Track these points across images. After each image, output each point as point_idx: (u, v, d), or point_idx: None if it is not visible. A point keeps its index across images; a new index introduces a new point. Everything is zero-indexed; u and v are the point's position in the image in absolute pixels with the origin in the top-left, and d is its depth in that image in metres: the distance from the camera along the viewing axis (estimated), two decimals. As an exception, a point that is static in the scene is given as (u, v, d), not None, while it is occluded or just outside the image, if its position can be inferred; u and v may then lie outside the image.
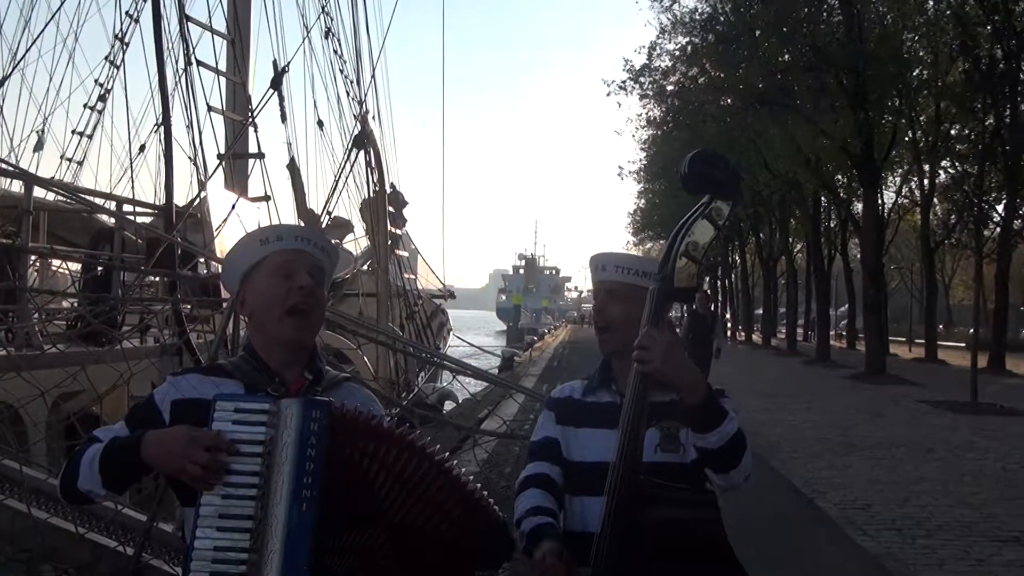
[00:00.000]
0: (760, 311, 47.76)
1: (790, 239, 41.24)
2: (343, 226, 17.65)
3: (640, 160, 45.25)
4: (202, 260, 7.05)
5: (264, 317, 1.94)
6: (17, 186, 9.06)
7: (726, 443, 1.94)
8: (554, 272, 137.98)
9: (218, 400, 1.72)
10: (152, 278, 7.54)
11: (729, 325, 52.28)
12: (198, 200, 8.09)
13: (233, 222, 7.80)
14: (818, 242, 33.16)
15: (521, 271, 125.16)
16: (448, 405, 13.54)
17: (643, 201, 55.01)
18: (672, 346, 1.89)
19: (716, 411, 1.94)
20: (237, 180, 9.92)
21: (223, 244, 7.48)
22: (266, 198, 10.72)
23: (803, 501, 7.82)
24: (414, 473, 1.76)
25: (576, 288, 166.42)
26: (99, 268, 7.92)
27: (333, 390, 1.98)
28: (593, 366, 2.38)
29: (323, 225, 12.81)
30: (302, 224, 14.32)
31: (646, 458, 2.10)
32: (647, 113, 33.73)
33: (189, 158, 8.95)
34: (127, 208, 8.74)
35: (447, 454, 1.84)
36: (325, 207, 12.14)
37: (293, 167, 15.05)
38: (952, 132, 27.63)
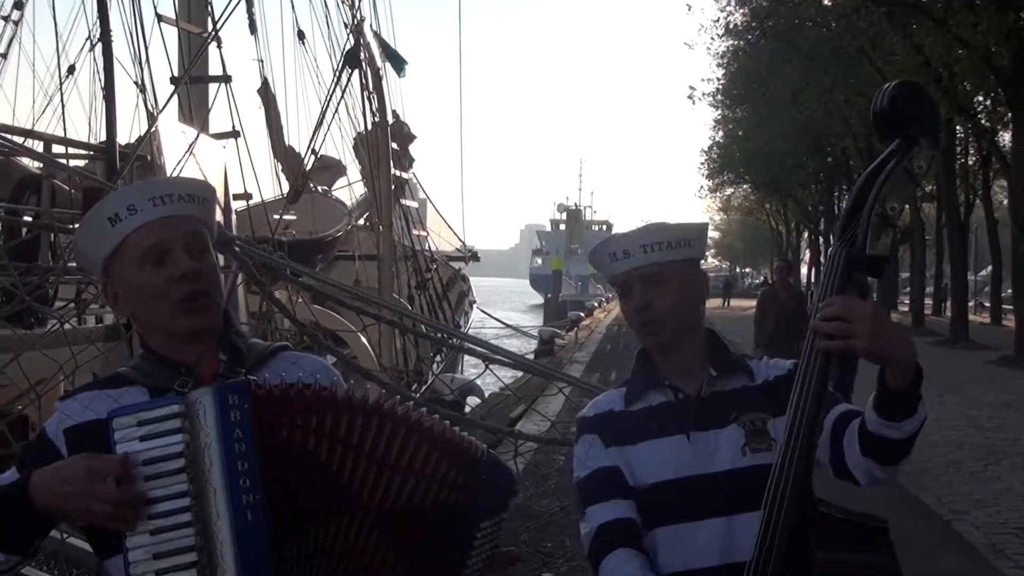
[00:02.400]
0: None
1: (915, 181, 40.83)
2: (333, 168, 17.73)
3: (717, 80, 44.85)
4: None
5: (148, 316, 1.98)
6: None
7: (918, 429, 2.00)
8: (605, 228, 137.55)
9: (114, 417, 1.75)
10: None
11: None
12: (147, 138, 8.11)
13: (193, 166, 7.82)
14: (952, 185, 32.77)
15: (561, 227, 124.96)
16: (472, 401, 13.60)
17: (721, 133, 54.61)
18: (881, 314, 1.92)
19: (918, 393, 1.98)
20: (196, 111, 9.92)
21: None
22: (234, 134, 10.76)
23: (936, 524, 7.80)
24: (372, 438, 1.82)
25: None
26: (23, 228, 7.97)
27: (263, 366, 2.02)
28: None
29: (307, 167, 12.84)
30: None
31: (729, 464, 2.21)
32: (726, 18, 33.41)
33: (135, 83, 8.98)
34: (57, 149, 8.78)
35: (396, 399, 1.91)
36: (310, 144, 12.16)
37: (266, 92, 15.09)
38: None
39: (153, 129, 7.70)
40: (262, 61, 14.22)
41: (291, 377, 1.83)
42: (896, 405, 1.96)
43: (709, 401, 2.30)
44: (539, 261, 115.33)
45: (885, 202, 2.02)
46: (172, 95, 8.80)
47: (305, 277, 5.65)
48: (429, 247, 18.85)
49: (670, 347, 2.33)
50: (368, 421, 1.82)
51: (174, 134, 8.23)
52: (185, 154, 7.71)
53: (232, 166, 10.18)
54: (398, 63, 15.68)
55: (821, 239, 52.55)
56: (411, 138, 19.92)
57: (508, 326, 19.00)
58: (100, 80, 8.70)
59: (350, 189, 17.92)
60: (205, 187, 2.14)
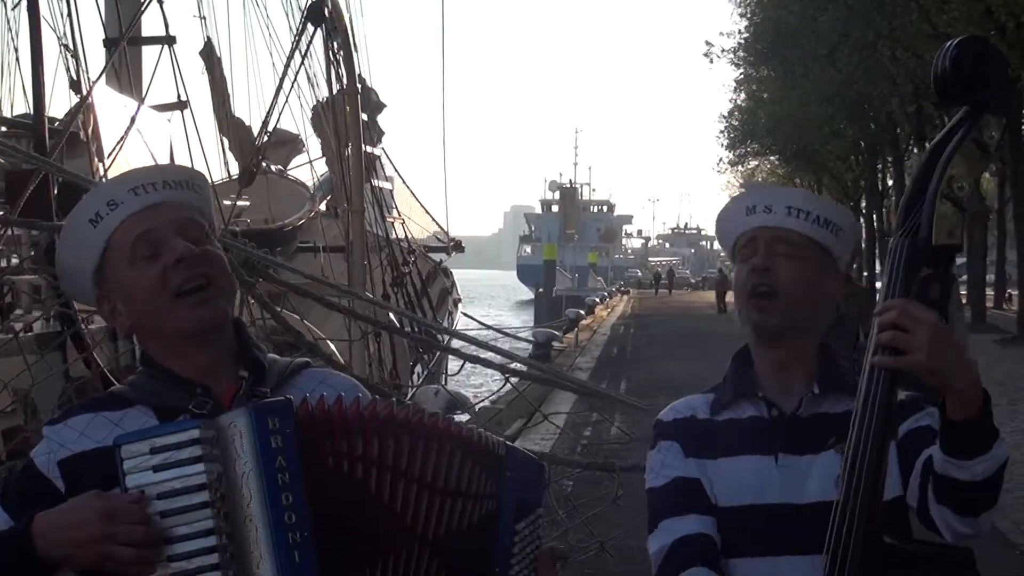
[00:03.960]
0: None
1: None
2: (289, 143, 17.68)
3: (739, 33, 44.87)
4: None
5: (149, 319, 2.00)
6: None
7: (994, 473, 1.98)
8: (605, 209, 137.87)
9: (122, 445, 1.75)
10: (15, 230, 7.55)
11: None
12: (79, 111, 8.10)
13: (135, 143, 7.82)
14: (1018, 154, 32.84)
15: (554, 208, 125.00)
16: (460, 418, 13.60)
17: (743, 96, 54.62)
18: (940, 329, 1.90)
19: (990, 427, 1.96)
20: (135, 79, 9.91)
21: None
22: (180, 105, 10.73)
23: (1013, 556, 7.83)
24: (420, 459, 1.87)
25: (640, 233, 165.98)
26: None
27: (288, 384, 2.06)
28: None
29: (259, 142, 12.81)
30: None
31: (819, 496, 2.20)
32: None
33: (64, 46, 8.93)
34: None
35: (410, 407, 1.97)
36: (267, 116, 12.12)
37: (209, 55, 15.04)
38: None
39: (89, 99, 7.68)
40: (204, 18, 14.18)
41: (319, 396, 1.86)
42: (964, 440, 1.94)
43: (806, 422, 2.31)
44: (528, 249, 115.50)
45: (971, 188, 2.01)
46: (110, 61, 8.78)
47: (288, 274, 5.67)
48: (406, 236, 18.79)
49: (778, 339, 2.33)
50: (414, 441, 1.86)
51: (112, 106, 8.22)
52: (128, 130, 7.70)
53: (178, 143, 10.18)
54: None
55: (863, 221, 52.57)
56: (380, 107, 19.90)
57: (494, 329, 18.95)
58: (15, 41, 8.69)
59: (310, 168, 17.84)
60: (195, 174, 2.18)
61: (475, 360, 5.43)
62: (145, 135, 8.15)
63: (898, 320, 1.88)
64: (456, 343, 5.94)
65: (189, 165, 10.80)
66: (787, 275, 2.30)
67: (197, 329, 1.97)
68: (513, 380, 7.29)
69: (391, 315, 12.53)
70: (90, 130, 7.89)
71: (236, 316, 2.13)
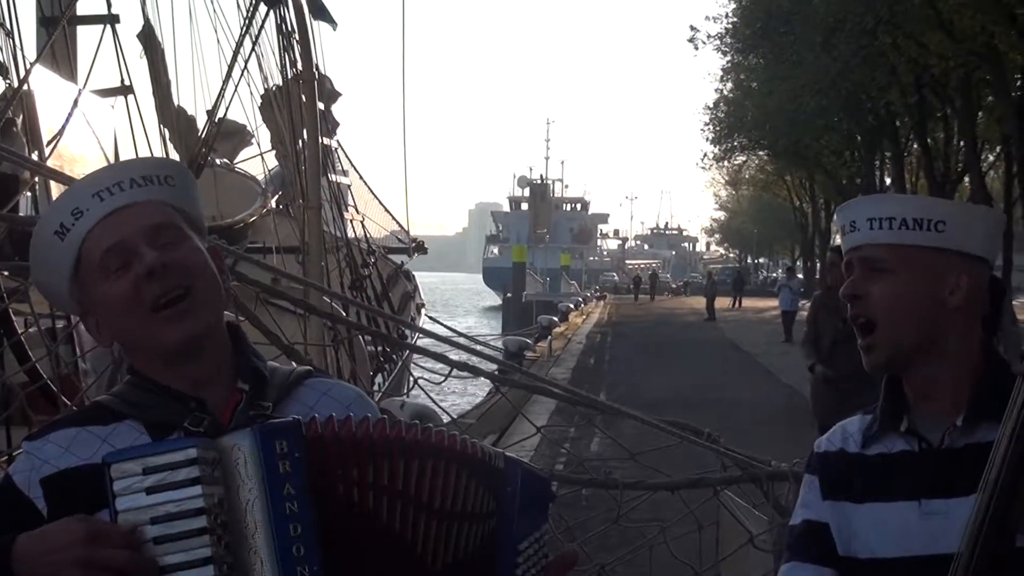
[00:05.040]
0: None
1: (978, 144, 41.16)
2: (237, 135, 17.62)
3: (726, 17, 45.06)
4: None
5: (128, 334, 2.01)
6: None
7: None
8: (579, 207, 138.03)
9: (112, 463, 1.73)
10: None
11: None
12: (15, 96, 8.07)
13: (78, 130, 7.80)
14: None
15: (524, 206, 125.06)
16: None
17: (730, 86, 54.89)
18: None
19: None
20: (71, 61, 9.89)
21: (60, 168, 7.51)
22: (124, 90, 10.69)
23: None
24: (428, 484, 1.86)
25: (617, 233, 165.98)
26: None
27: (291, 397, 2.06)
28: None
29: (207, 133, 12.79)
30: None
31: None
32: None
33: (-1, 24, 8.90)
34: None
35: (418, 424, 1.93)
36: (216, 104, 12.10)
37: (148, 36, 14.99)
38: None
39: (25, 87, 7.65)
40: (145, -2, 14.14)
41: (324, 411, 1.86)
42: None
43: (953, 456, 2.19)
44: (495, 250, 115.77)
45: None
46: (49, 42, 8.74)
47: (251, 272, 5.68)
48: (365, 235, 18.79)
49: (901, 371, 2.26)
50: (422, 463, 1.85)
51: (52, 91, 8.21)
52: (69, 116, 7.69)
53: (124, 131, 10.16)
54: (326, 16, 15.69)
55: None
56: (335, 96, 19.87)
57: (466, 337, 18.96)
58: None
59: (262, 161, 17.80)
60: (168, 165, 2.17)
61: (463, 367, 5.39)
62: (89, 122, 8.13)
63: None
64: (433, 349, 5.93)
65: (133, 156, 10.82)
66: (882, 299, 2.22)
67: (178, 345, 1.96)
68: (502, 389, 7.29)
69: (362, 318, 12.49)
70: (20, 119, 7.87)
71: (232, 321, 2.12)
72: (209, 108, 12.70)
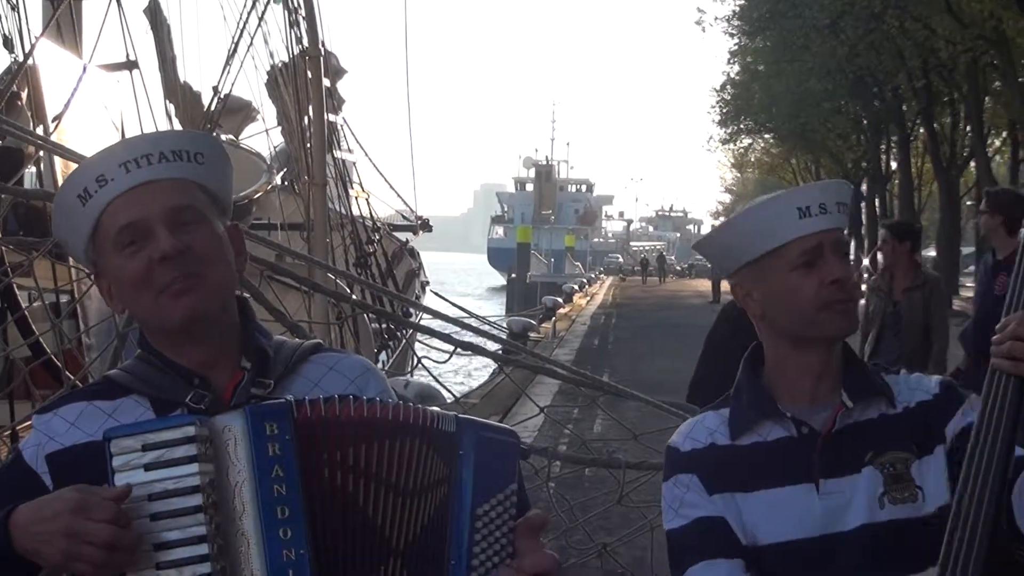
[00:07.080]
0: (931, 252, 47.50)
1: (986, 131, 41.07)
2: (242, 111, 17.61)
3: (733, 0, 44.90)
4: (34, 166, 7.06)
5: (135, 309, 2.02)
6: None
7: None
8: (584, 188, 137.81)
9: (112, 439, 1.74)
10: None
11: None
12: (20, 70, 8.06)
13: (83, 105, 7.78)
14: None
15: (528, 187, 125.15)
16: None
17: (737, 68, 54.69)
18: None
19: None
20: (79, 37, 9.87)
21: (65, 142, 7.49)
22: (129, 65, 10.68)
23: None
24: (398, 464, 1.86)
25: (622, 215, 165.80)
26: None
27: (295, 373, 2.05)
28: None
29: (215, 110, 12.78)
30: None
31: (864, 519, 2.19)
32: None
33: (0, -1, 8.88)
34: None
35: (399, 403, 1.93)
36: (220, 80, 12.09)
37: (155, 11, 14.97)
38: None
39: (29, 61, 7.65)
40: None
41: (330, 386, 1.88)
42: None
43: (841, 438, 2.26)
44: (500, 231, 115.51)
45: None
46: (54, 17, 8.73)
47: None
48: (371, 213, 18.77)
49: (831, 346, 2.30)
50: (392, 443, 1.85)
51: (57, 66, 8.19)
52: (74, 91, 7.67)
53: (129, 107, 10.13)
54: None
55: (863, 205, 52.65)
56: (341, 73, 19.84)
57: (473, 316, 18.94)
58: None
59: (266, 137, 17.78)
60: (201, 140, 2.14)
61: (467, 346, 5.36)
62: (96, 97, 8.11)
63: (1018, 330, 1.92)
64: (437, 328, 5.87)
65: (139, 132, 10.80)
66: (852, 279, 2.27)
67: (182, 325, 1.96)
68: (506, 369, 7.27)
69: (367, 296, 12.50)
70: (25, 93, 7.86)
71: (242, 296, 2.11)
72: (215, 84, 12.70)
